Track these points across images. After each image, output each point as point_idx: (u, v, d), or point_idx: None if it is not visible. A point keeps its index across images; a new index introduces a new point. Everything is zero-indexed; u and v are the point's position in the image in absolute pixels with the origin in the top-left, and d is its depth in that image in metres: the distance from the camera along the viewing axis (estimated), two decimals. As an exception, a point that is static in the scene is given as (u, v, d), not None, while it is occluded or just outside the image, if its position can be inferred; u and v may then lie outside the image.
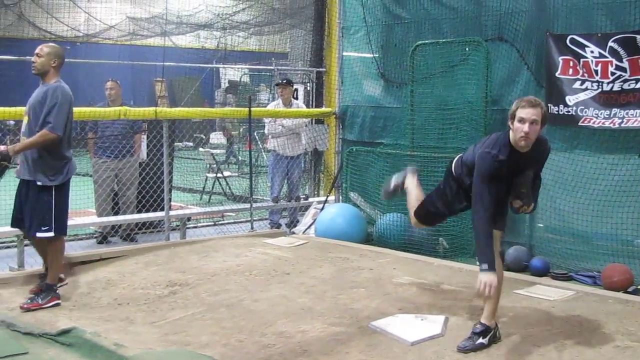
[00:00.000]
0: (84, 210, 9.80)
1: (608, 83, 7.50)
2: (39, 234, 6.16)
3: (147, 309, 5.95)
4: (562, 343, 5.06)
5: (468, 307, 5.95)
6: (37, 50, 6.24)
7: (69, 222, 8.91)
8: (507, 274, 7.28)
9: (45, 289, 6.12)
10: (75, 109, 8.19)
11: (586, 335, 5.23)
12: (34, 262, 7.42)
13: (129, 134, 9.71)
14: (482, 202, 4.94)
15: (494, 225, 5.00)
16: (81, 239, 9.65)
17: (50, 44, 6.44)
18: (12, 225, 6.42)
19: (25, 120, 6.21)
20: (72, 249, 8.47)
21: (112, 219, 9.44)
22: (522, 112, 4.87)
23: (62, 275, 6.44)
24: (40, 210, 6.14)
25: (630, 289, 6.87)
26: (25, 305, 5.96)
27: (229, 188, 13.58)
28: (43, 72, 6.20)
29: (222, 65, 21.45)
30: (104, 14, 20.28)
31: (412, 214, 6.06)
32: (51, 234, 6.16)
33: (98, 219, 9.50)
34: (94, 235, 9.77)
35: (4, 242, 8.92)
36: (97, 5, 20.19)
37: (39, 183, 6.10)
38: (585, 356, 4.84)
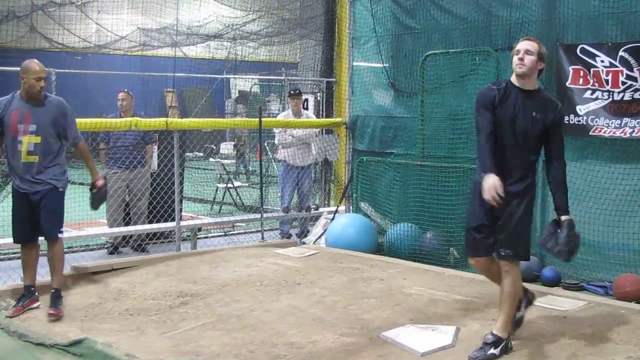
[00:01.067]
0: (95, 220, 9.84)
1: (619, 92, 7.49)
2: (60, 235, 6.39)
3: (158, 319, 5.96)
4: (574, 354, 5.04)
5: (479, 317, 5.93)
6: (43, 75, 6.25)
7: (81, 233, 9.04)
8: (518, 284, 7.29)
9: (60, 295, 6.26)
10: (87, 120, 8.33)
11: (598, 345, 5.20)
12: (45, 273, 7.44)
13: (140, 144, 9.75)
14: (478, 127, 5.29)
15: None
16: (92, 250, 9.70)
17: (36, 60, 6.38)
18: (25, 239, 6.42)
19: (34, 140, 6.20)
20: (83, 260, 8.51)
21: (123, 229, 9.48)
22: (517, 46, 5.25)
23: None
24: (59, 214, 6.39)
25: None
26: (54, 312, 6.07)
27: (240, 198, 13.60)
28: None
29: (232, 76, 21.53)
30: (114, 25, 20.42)
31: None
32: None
33: (109, 229, 9.54)
34: (105, 246, 9.80)
35: (6, 254, 8.96)
36: (107, 16, 20.33)
37: (60, 189, 6.33)
38: (598, 367, 4.83)
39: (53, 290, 6.29)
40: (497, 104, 5.18)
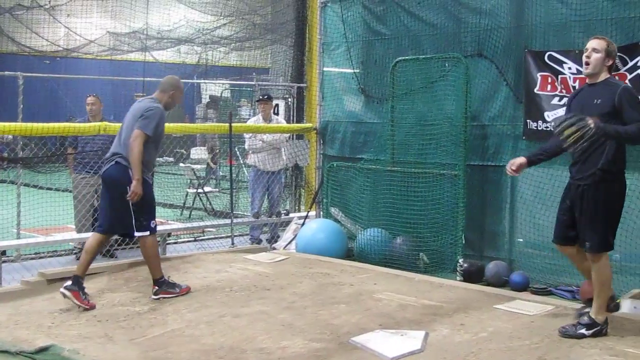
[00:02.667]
0: (63, 226, 9.74)
1: (586, 99, 7.56)
2: None
3: (126, 325, 5.91)
4: (541, 357, 5.08)
5: (448, 322, 5.96)
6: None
7: (48, 239, 8.93)
8: (487, 289, 7.37)
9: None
10: (55, 124, 8.26)
11: (565, 350, 5.25)
12: (12, 279, 7.36)
13: (109, 149, 9.64)
14: None
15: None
16: (60, 255, 9.59)
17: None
18: None
19: None
20: (51, 265, 8.42)
21: (92, 235, 9.35)
22: (587, 44, 5.65)
23: None
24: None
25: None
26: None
27: (210, 204, 13.55)
28: None
29: (203, 81, 21.43)
30: (84, 28, 20.19)
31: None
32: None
33: (77, 234, 9.43)
34: (73, 252, 9.69)
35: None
36: (77, 20, 20.11)
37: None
38: (565, 371, 4.87)
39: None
40: (571, 103, 5.86)
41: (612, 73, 5.76)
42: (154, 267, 6.75)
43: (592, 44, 5.59)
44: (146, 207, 6.73)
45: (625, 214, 5.80)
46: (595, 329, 5.49)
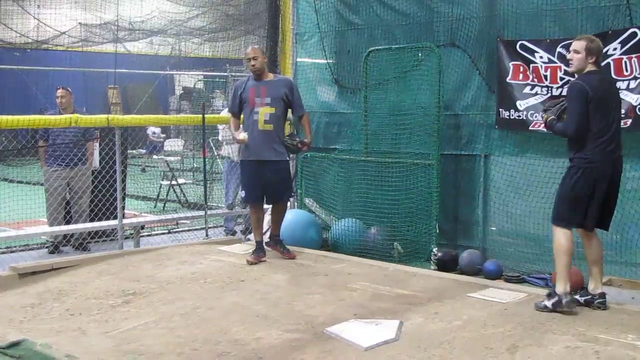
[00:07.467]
0: (35, 219, 9.66)
1: (557, 88, 7.63)
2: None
3: (100, 319, 5.86)
4: (514, 345, 5.12)
5: (422, 311, 5.98)
6: (251, 55, 7.71)
7: (20, 232, 8.86)
8: (461, 277, 7.42)
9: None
10: (26, 117, 8.20)
11: (537, 336, 5.30)
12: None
13: (81, 141, 9.59)
14: None
15: None
16: (32, 249, 9.51)
17: (253, 46, 8.05)
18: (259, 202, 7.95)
19: (269, 110, 7.72)
20: (23, 259, 8.34)
21: (64, 228, 9.30)
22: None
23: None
24: (290, 180, 8.23)
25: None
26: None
27: (184, 195, 13.49)
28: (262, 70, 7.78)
29: (176, 72, 21.31)
30: (54, 20, 19.97)
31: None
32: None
33: (49, 228, 9.35)
34: (46, 245, 9.62)
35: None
36: (47, 11, 19.87)
37: (288, 159, 8.00)
38: (537, 357, 4.90)
39: (277, 236, 8.01)
40: None
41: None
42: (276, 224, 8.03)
43: (573, 45, 5.96)
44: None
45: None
46: (554, 299, 5.83)
